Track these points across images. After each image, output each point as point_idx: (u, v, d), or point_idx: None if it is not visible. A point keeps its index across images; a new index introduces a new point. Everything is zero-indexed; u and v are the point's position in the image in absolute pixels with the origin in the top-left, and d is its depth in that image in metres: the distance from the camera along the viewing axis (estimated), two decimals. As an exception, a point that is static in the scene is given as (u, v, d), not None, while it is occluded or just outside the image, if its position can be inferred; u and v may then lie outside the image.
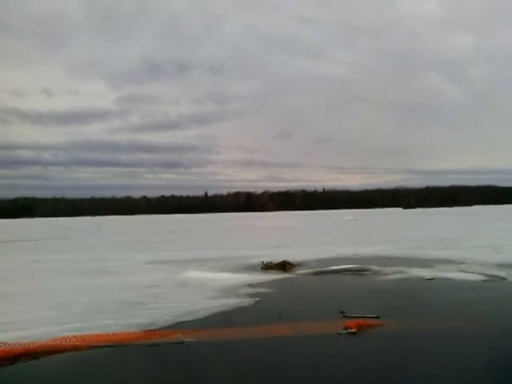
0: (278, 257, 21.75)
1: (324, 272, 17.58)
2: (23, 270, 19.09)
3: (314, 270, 17.87)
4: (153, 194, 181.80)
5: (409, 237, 32.70)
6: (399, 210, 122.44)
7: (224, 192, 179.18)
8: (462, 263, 18.61)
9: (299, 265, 19.27)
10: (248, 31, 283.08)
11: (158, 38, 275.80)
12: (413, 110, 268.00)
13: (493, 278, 15.25)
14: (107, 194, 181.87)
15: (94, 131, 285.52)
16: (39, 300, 12.50)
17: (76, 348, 8.44)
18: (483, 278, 15.36)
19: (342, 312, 10.72)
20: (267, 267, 18.78)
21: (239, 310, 11.65)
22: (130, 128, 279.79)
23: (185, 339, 8.91)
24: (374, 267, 17.94)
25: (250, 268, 18.87)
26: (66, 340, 8.64)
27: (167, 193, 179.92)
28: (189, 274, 16.66)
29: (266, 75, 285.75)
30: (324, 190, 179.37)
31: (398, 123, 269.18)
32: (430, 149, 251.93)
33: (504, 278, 15.16)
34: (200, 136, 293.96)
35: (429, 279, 15.41)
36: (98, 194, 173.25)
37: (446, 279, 15.33)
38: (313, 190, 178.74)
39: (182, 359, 8.11)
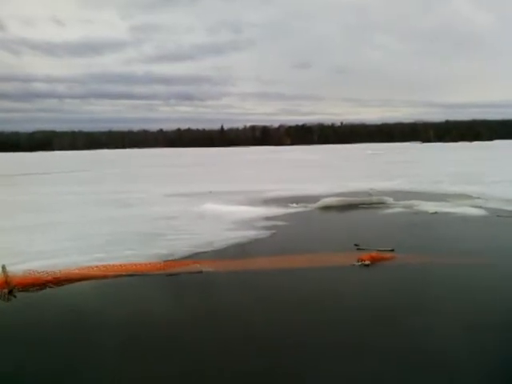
0: (295, 191, 21.94)
1: (340, 206, 17.75)
2: (46, 203, 19.58)
3: (331, 203, 17.98)
4: (168, 126, 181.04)
5: (426, 171, 32.50)
6: (417, 144, 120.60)
7: (240, 126, 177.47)
8: (478, 198, 18.58)
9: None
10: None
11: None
12: (437, 39, 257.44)
13: (508, 214, 15.21)
14: (124, 127, 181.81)
15: (108, 63, 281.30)
16: (63, 231, 12.92)
17: (99, 277, 8.83)
18: (497, 213, 15.34)
19: (356, 245, 10.92)
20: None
21: (256, 242, 11.94)
22: (144, 59, 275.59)
23: (203, 269, 9.24)
24: (391, 201, 18.04)
25: (267, 201, 19.09)
26: (90, 269, 9.04)
27: (183, 126, 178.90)
28: (207, 206, 16.91)
29: (282, 2, 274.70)
30: (342, 123, 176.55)
31: (421, 53, 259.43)
32: (454, 80, 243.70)
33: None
34: (215, 67, 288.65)
35: (432, 213, 15.61)
36: (115, 128, 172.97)
37: (461, 215, 15.37)
38: (330, 123, 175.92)
39: (201, 288, 8.45)
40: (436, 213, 15.64)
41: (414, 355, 5.56)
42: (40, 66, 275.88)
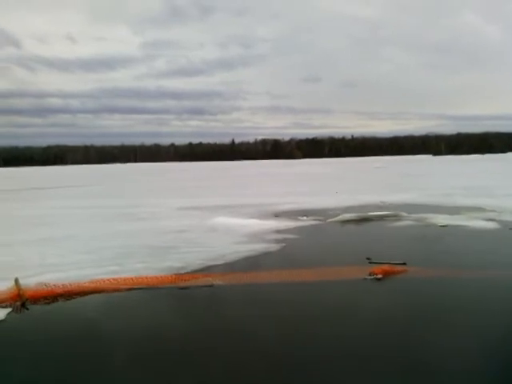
0: (305, 204, 21.93)
1: (351, 219, 17.66)
2: (58, 216, 19.75)
3: (342, 216, 17.91)
4: (180, 141, 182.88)
5: (438, 184, 32.30)
6: (429, 157, 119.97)
7: (251, 139, 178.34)
8: (492, 211, 18.39)
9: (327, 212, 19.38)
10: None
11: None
12: (446, 52, 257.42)
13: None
14: (136, 141, 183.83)
15: (120, 78, 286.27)
16: (76, 244, 13.01)
17: (111, 290, 8.86)
18: (510, 226, 15.11)
19: (368, 258, 10.85)
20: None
21: (266, 255, 11.91)
22: (155, 74, 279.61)
23: (214, 282, 9.23)
24: (403, 214, 17.93)
25: (277, 214, 19.07)
26: (102, 282, 9.07)
27: (195, 140, 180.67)
28: (218, 219, 16.93)
29: (291, 16, 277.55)
30: (353, 136, 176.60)
31: (431, 66, 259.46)
32: (464, 93, 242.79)
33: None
34: (225, 82, 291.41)
35: (442, 226, 15.46)
36: (127, 142, 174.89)
37: (473, 227, 15.22)
38: (341, 136, 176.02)
39: (212, 301, 8.43)
40: (446, 226, 15.51)
41: (433, 371, 5.51)
42: (53, 81, 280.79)
